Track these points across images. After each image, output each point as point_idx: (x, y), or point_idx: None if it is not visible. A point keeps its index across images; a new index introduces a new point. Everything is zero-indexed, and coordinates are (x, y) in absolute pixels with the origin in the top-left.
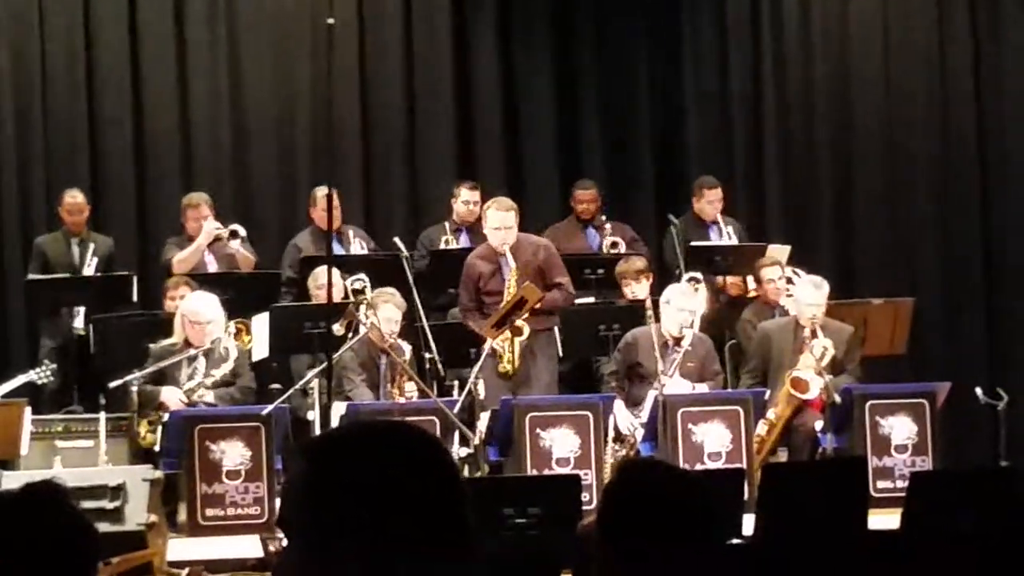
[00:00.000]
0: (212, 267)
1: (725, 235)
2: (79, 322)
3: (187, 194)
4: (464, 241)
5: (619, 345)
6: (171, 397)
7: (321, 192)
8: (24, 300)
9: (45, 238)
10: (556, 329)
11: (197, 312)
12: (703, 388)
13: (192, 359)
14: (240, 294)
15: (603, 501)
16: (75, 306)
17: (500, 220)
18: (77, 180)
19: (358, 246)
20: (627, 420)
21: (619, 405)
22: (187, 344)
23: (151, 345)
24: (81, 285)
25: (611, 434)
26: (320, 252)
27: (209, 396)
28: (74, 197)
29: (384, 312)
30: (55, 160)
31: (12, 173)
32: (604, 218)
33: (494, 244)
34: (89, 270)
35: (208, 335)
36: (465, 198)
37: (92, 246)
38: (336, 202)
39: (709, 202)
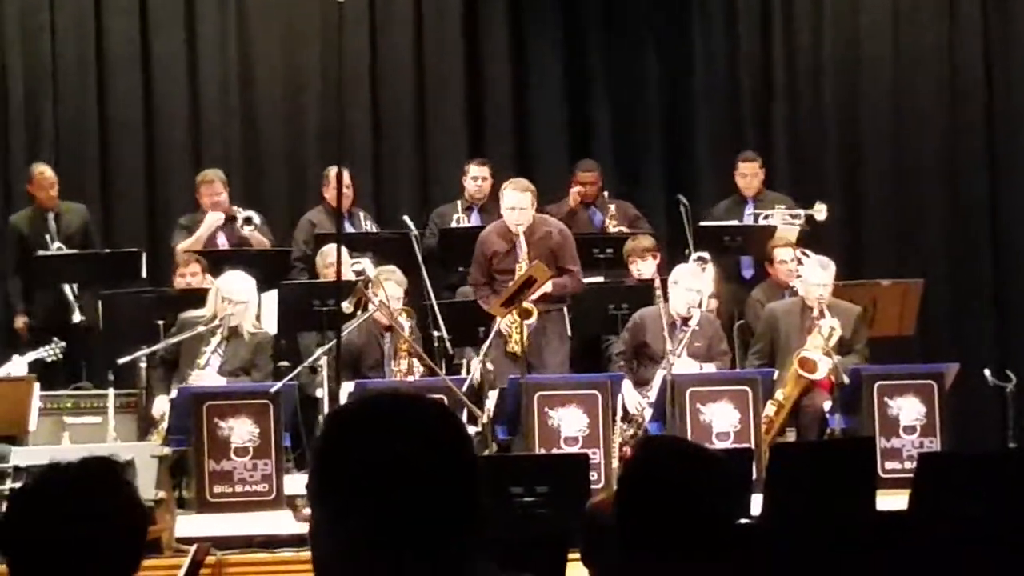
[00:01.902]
0: (223, 244)
1: (754, 216)
2: (76, 309)
3: (200, 171)
4: (475, 220)
5: (627, 325)
6: (159, 407)
7: (334, 171)
8: (33, 277)
9: (19, 216)
10: (565, 309)
11: (231, 291)
12: (710, 368)
13: (212, 334)
14: (251, 272)
15: (623, 476)
16: (79, 282)
17: (516, 200)
18: (86, 159)
19: (368, 228)
20: (635, 400)
21: (627, 385)
22: (214, 319)
23: (181, 315)
24: (89, 261)
25: (619, 413)
26: (332, 230)
27: (219, 378)
28: (43, 172)
29: (387, 290)
30: (64, 139)
31: (22, 153)
32: (607, 194)
33: (509, 224)
34: (55, 246)
35: (236, 316)
36: (474, 174)
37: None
38: (348, 182)
39: (742, 175)
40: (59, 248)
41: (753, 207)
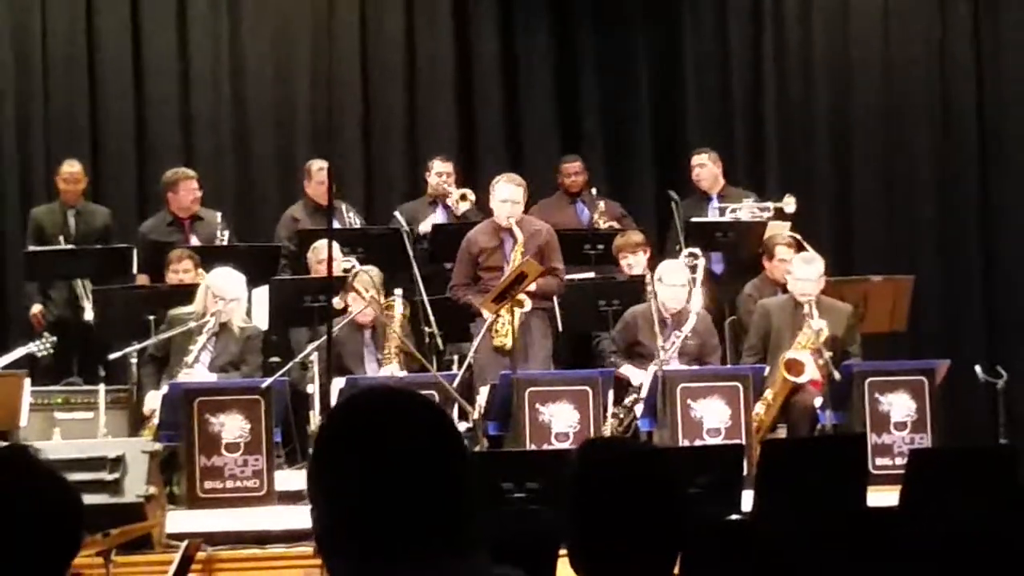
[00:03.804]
0: (194, 244)
1: (719, 211)
2: (88, 306)
3: (180, 169)
4: (440, 216)
5: (618, 325)
6: (149, 404)
7: (316, 166)
8: (24, 271)
9: (41, 209)
10: (556, 306)
11: (222, 289)
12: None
13: (200, 330)
14: (241, 267)
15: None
16: (73, 278)
17: (510, 193)
18: (77, 154)
19: (351, 220)
20: (639, 375)
21: (626, 366)
22: (204, 315)
23: (170, 311)
24: (81, 257)
25: (610, 408)
26: (314, 226)
27: (209, 374)
28: (72, 166)
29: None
30: (55, 133)
31: (12, 145)
32: (595, 191)
33: (500, 217)
34: (68, 244)
35: (226, 313)
36: (438, 170)
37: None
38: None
39: (694, 167)
40: (71, 247)
41: (717, 202)
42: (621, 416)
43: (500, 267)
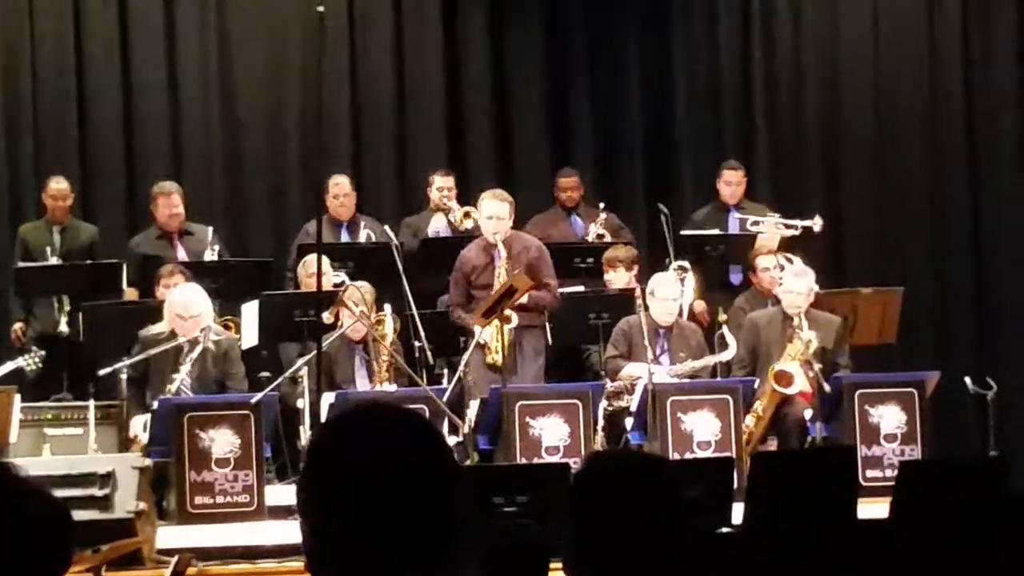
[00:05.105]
0: (183, 258)
1: (739, 222)
2: (63, 320)
3: (168, 182)
4: (445, 230)
5: (615, 334)
6: (134, 427)
7: (333, 181)
8: (14, 288)
9: (27, 226)
10: (547, 326)
11: (184, 305)
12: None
13: (179, 351)
14: (231, 282)
15: (575, 490)
16: (63, 294)
17: (494, 210)
18: (66, 168)
19: (366, 236)
20: (639, 369)
21: (629, 365)
22: (174, 334)
23: (140, 332)
24: (71, 272)
25: (601, 419)
26: (332, 240)
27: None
28: (58, 183)
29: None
30: (44, 148)
31: (2, 162)
32: (603, 206)
33: (486, 233)
34: (54, 259)
35: (194, 329)
36: (439, 184)
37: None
38: (349, 190)
39: (727, 183)
40: (58, 262)
41: (737, 214)
42: (615, 405)
43: (491, 284)
